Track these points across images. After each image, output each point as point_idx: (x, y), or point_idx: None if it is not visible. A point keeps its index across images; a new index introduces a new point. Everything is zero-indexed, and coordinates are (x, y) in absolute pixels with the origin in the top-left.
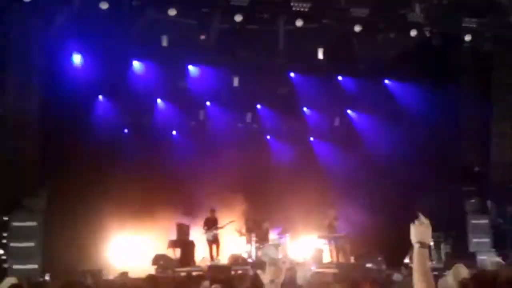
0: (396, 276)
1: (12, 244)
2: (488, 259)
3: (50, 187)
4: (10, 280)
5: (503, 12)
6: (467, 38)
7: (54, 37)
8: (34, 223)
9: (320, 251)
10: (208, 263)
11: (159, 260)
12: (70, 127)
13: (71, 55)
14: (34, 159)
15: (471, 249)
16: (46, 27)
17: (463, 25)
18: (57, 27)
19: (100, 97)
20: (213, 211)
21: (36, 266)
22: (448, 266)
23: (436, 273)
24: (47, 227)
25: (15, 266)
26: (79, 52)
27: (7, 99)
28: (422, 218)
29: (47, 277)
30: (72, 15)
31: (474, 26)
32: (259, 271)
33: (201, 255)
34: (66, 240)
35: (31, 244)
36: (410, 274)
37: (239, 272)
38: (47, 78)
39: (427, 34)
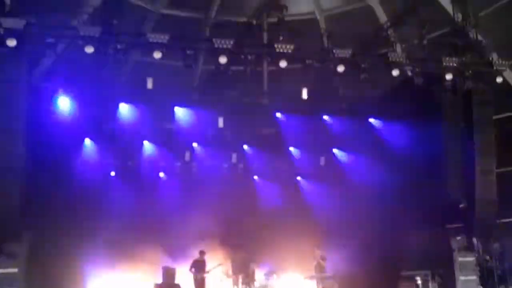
0: None
1: None
2: None
3: (32, 232)
4: None
5: (482, 51)
6: (448, 76)
7: (39, 80)
8: (15, 270)
9: None
10: None
11: None
12: (55, 171)
13: (56, 98)
14: (17, 203)
15: (459, 287)
16: (31, 70)
17: (444, 64)
18: (42, 71)
19: (87, 140)
20: (202, 253)
21: None
22: None
23: None
24: (28, 274)
25: None
26: (65, 95)
27: None
28: None
29: None
30: (58, 58)
31: (455, 65)
32: None
33: None
34: (50, 286)
35: None
36: None
37: None
38: (32, 121)
39: (409, 73)
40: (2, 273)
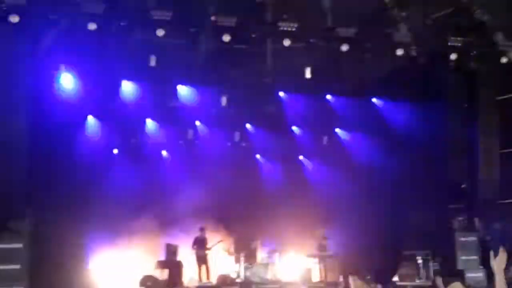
0: None
1: None
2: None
3: (36, 209)
4: None
5: (487, 32)
6: (453, 56)
7: (41, 58)
8: (19, 245)
9: (309, 270)
10: (196, 283)
11: (146, 281)
12: (58, 148)
13: (59, 76)
14: (21, 181)
15: (459, 266)
16: (33, 48)
17: (449, 44)
18: (45, 48)
19: (89, 117)
20: (202, 230)
21: None
22: (435, 283)
23: None
24: (33, 250)
25: None
26: (67, 72)
27: None
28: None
29: None
30: (60, 36)
31: (460, 45)
32: None
33: (189, 275)
34: (53, 263)
35: (17, 266)
36: None
37: None
38: (34, 99)
39: (414, 53)
40: (7, 248)
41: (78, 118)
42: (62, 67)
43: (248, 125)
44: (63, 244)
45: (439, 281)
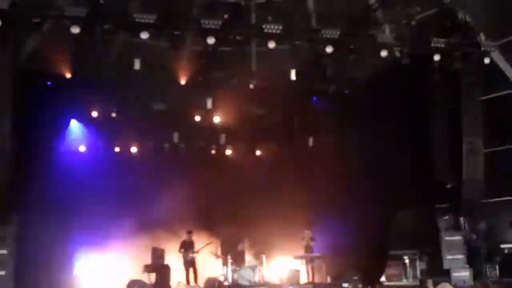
0: None
1: None
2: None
3: (21, 215)
4: None
5: (470, 32)
6: (437, 57)
7: (25, 62)
8: (4, 251)
9: (297, 272)
10: (184, 287)
11: (133, 285)
12: (41, 153)
13: (42, 80)
14: (4, 185)
15: (446, 266)
16: (17, 52)
17: (432, 45)
18: (28, 52)
19: (73, 121)
20: (189, 233)
21: None
22: (422, 283)
23: None
24: (18, 255)
25: None
26: (50, 76)
27: None
28: None
29: None
30: (43, 40)
31: (443, 45)
32: None
33: (177, 279)
34: (38, 268)
35: (2, 272)
36: None
37: None
38: (19, 103)
39: (397, 54)
40: None
41: (61, 121)
42: (45, 71)
43: (233, 127)
44: (48, 250)
45: (429, 283)
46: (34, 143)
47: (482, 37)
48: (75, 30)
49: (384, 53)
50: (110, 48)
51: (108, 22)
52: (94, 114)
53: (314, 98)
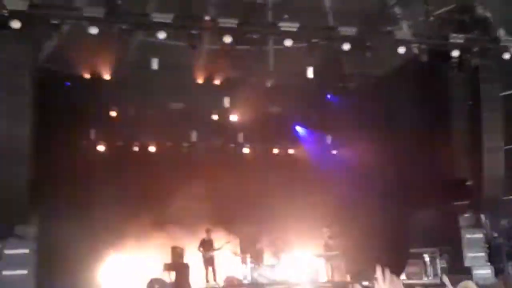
0: None
1: (4, 272)
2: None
3: (42, 214)
4: None
5: (489, 27)
6: (455, 53)
7: (44, 63)
8: (26, 251)
9: (316, 271)
10: (204, 285)
11: (154, 284)
12: (61, 152)
13: (61, 81)
14: (25, 186)
15: (467, 263)
16: (35, 54)
17: (451, 40)
18: (48, 53)
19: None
20: (208, 231)
21: None
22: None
23: None
24: (40, 255)
25: None
26: (69, 77)
27: None
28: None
29: None
30: (61, 41)
31: (462, 41)
32: None
33: (196, 277)
34: (60, 267)
35: (24, 271)
36: None
37: None
38: (38, 104)
39: (415, 50)
40: (14, 254)
41: (81, 122)
42: (64, 72)
43: (250, 126)
44: (69, 249)
45: (445, 279)
46: (54, 143)
47: (501, 32)
48: (94, 30)
49: (402, 50)
50: (128, 48)
51: (126, 22)
52: (113, 113)
53: (329, 96)
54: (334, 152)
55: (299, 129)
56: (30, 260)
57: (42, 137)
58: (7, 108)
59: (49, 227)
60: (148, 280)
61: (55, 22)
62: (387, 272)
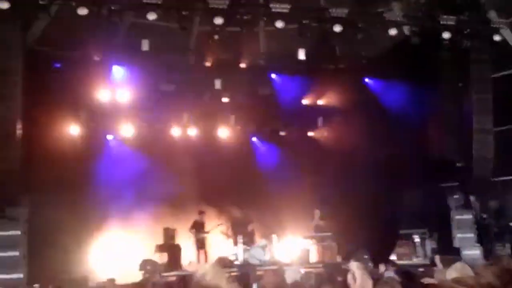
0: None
1: None
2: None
3: (33, 195)
4: None
5: (480, 9)
6: (446, 35)
7: (33, 44)
8: (17, 232)
9: (307, 251)
10: (195, 266)
11: (146, 265)
12: (52, 133)
13: (51, 61)
14: (16, 167)
15: (456, 244)
16: (25, 34)
17: (442, 22)
18: (36, 34)
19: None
20: (201, 213)
21: (21, 276)
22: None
23: (422, 269)
24: (31, 236)
25: (0, 276)
26: (59, 58)
27: None
28: None
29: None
30: (50, 22)
31: (453, 23)
32: None
33: (188, 259)
34: (51, 248)
35: (16, 253)
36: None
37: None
38: (28, 85)
39: (406, 32)
40: (5, 235)
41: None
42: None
43: (242, 108)
44: (61, 230)
45: (437, 260)
46: (44, 125)
47: (492, 14)
48: (83, 11)
49: (393, 32)
50: (117, 29)
51: (115, 3)
52: (102, 95)
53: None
54: (325, 133)
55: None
56: (21, 241)
57: (32, 119)
58: None
59: (41, 208)
60: (140, 261)
61: (44, 2)
62: (358, 272)
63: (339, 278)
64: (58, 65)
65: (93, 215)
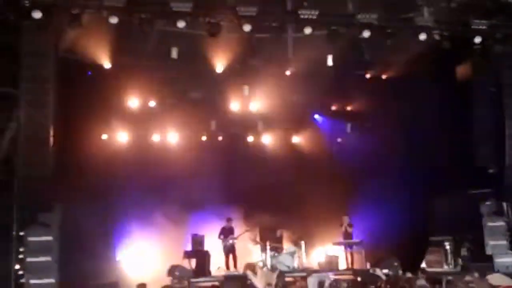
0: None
1: (28, 259)
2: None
3: (65, 201)
4: None
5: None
6: (477, 40)
7: (65, 53)
8: (50, 238)
9: (336, 258)
10: (224, 272)
11: (174, 270)
12: (84, 140)
13: (83, 69)
14: (48, 174)
15: (488, 251)
16: (56, 43)
17: (473, 27)
18: (68, 44)
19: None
20: (229, 219)
21: (53, 281)
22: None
23: (450, 277)
24: (63, 242)
25: (32, 281)
26: (91, 66)
27: (20, 115)
28: None
29: None
30: (82, 30)
31: (484, 27)
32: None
33: (217, 265)
34: (83, 254)
35: (48, 258)
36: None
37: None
38: (60, 93)
39: (437, 37)
40: (38, 241)
41: (103, 112)
42: (85, 61)
43: (270, 115)
44: (91, 236)
45: (475, 273)
46: (76, 132)
47: None
48: (114, 20)
49: (423, 37)
50: (148, 37)
51: (145, 12)
52: (133, 103)
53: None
54: (354, 140)
55: (317, 117)
56: (53, 247)
57: (65, 126)
58: (32, 98)
59: (72, 214)
60: (168, 267)
61: (75, 12)
62: None
63: (371, 286)
64: (90, 73)
65: (123, 221)
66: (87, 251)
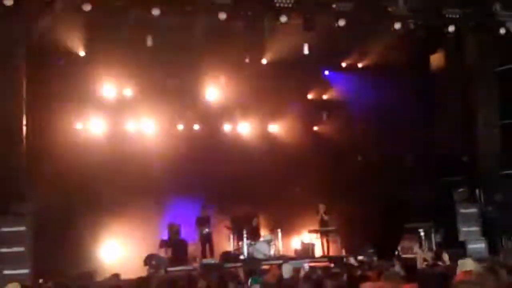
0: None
1: (1, 250)
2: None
3: (38, 190)
4: (13, 285)
5: (485, 2)
6: (450, 28)
7: (37, 40)
8: (23, 228)
9: (312, 245)
10: (200, 261)
11: (151, 260)
12: (57, 128)
13: (56, 58)
14: (20, 163)
15: (461, 238)
16: (28, 31)
17: (447, 16)
18: (40, 31)
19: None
20: (204, 208)
21: (27, 271)
22: (439, 255)
23: (426, 263)
24: (36, 232)
25: (6, 272)
26: (63, 54)
27: None
28: None
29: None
30: (55, 18)
31: (458, 16)
32: None
33: (193, 253)
34: (57, 244)
35: (21, 249)
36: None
37: (231, 269)
38: (33, 81)
39: (412, 26)
40: (11, 231)
41: (73, 100)
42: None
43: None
44: (65, 226)
45: (445, 256)
46: (50, 121)
47: (497, 7)
48: (87, 7)
49: (397, 26)
50: (122, 25)
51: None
52: (108, 91)
53: (326, 72)
54: (329, 128)
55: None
56: (26, 237)
57: (38, 116)
58: (2, 86)
59: (46, 204)
60: (145, 256)
61: None
62: None
63: (345, 274)
64: (61, 61)
65: (99, 210)
66: (62, 241)
